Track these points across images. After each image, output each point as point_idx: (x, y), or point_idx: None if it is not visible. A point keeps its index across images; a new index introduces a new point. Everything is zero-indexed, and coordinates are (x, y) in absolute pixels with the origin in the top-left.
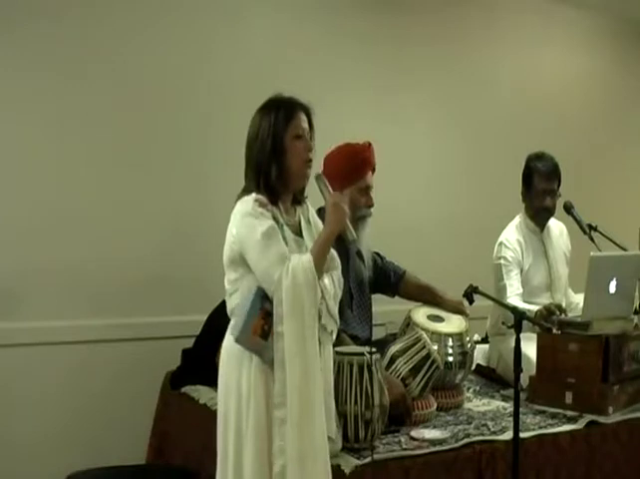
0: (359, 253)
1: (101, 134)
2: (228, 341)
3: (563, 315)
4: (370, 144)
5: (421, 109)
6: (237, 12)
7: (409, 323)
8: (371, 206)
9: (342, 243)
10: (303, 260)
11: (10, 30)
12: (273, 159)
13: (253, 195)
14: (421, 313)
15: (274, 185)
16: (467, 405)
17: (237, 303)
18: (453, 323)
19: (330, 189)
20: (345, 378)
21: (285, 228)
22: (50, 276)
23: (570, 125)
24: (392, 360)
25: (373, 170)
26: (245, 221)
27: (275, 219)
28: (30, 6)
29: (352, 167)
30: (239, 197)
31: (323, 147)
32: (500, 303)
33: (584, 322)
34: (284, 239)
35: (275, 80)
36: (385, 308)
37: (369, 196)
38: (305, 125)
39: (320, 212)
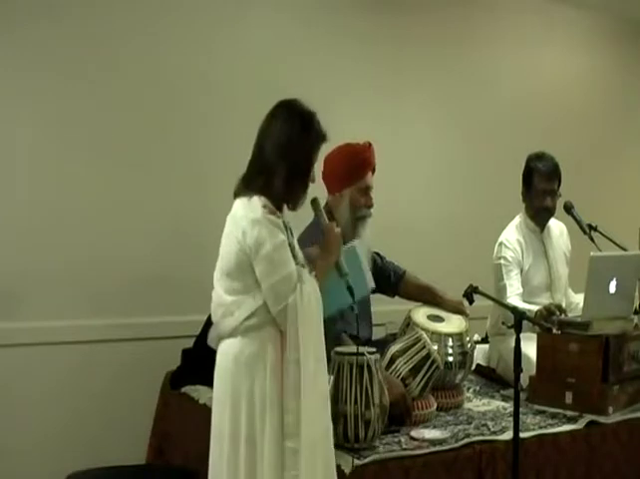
0: (350, 289)
1: (101, 134)
2: (234, 348)
3: (563, 315)
4: (370, 144)
5: (421, 109)
6: (237, 12)
7: (409, 323)
8: (370, 206)
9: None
10: (315, 287)
11: (10, 30)
12: (301, 178)
13: (257, 199)
14: (421, 313)
15: (281, 193)
16: (467, 405)
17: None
18: (453, 323)
19: (325, 217)
20: (345, 378)
21: (291, 237)
22: (50, 276)
23: (570, 125)
24: (392, 360)
25: (373, 170)
26: (256, 229)
27: (285, 225)
28: (30, 6)
29: (352, 167)
30: (238, 194)
31: (323, 147)
32: (500, 303)
33: (584, 322)
34: (292, 248)
35: (275, 80)
36: (385, 308)
37: (368, 196)
38: None
39: (310, 229)
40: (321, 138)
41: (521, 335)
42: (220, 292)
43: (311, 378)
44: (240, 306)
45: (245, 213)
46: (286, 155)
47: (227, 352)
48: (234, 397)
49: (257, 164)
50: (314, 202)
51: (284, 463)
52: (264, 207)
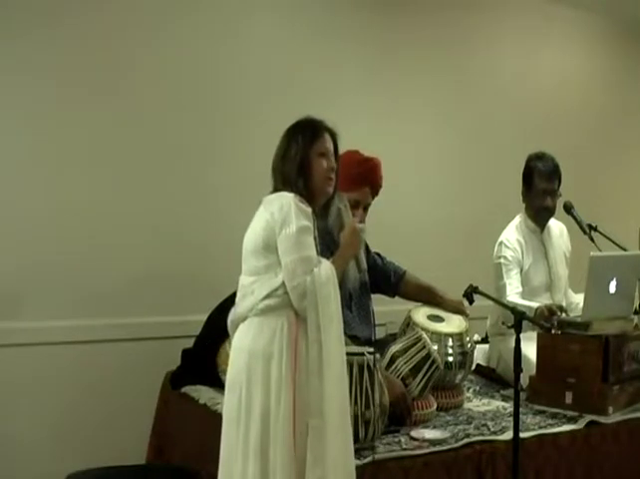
0: (364, 285)
1: (99, 135)
2: (249, 335)
3: (564, 315)
4: (376, 161)
5: (421, 108)
6: (239, 14)
7: (409, 323)
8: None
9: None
10: (332, 270)
11: (9, 35)
12: (300, 174)
13: (287, 192)
14: (421, 313)
15: (302, 189)
16: (467, 405)
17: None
18: (453, 323)
19: (350, 213)
20: None
21: (315, 230)
22: (50, 276)
23: (570, 125)
24: (392, 360)
25: (373, 188)
26: (284, 209)
27: (313, 218)
28: (29, 10)
29: (344, 175)
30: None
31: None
32: (500, 303)
33: (584, 322)
34: (315, 240)
35: (276, 81)
36: (385, 308)
37: (357, 210)
38: (330, 145)
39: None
40: (311, 129)
41: (521, 335)
42: (242, 277)
43: (333, 358)
44: (262, 285)
45: (276, 198)
46: (288, 162)
47: (243, 340)
48: (250, 382)
49: (275, 181)
50: (338, 195)
51: (308, 441)
52: (295, 196)
